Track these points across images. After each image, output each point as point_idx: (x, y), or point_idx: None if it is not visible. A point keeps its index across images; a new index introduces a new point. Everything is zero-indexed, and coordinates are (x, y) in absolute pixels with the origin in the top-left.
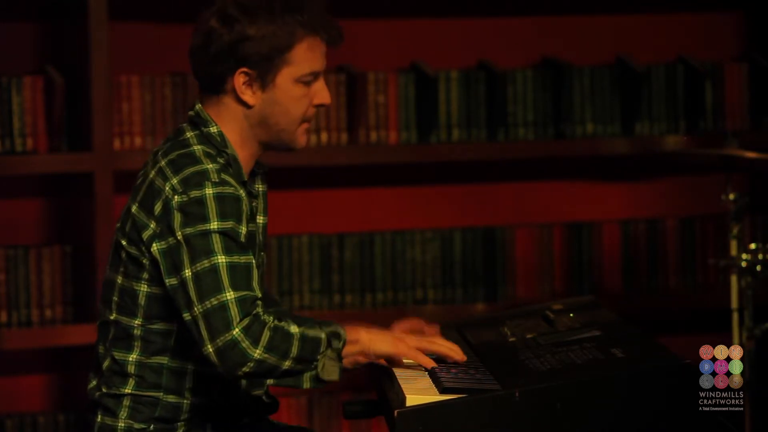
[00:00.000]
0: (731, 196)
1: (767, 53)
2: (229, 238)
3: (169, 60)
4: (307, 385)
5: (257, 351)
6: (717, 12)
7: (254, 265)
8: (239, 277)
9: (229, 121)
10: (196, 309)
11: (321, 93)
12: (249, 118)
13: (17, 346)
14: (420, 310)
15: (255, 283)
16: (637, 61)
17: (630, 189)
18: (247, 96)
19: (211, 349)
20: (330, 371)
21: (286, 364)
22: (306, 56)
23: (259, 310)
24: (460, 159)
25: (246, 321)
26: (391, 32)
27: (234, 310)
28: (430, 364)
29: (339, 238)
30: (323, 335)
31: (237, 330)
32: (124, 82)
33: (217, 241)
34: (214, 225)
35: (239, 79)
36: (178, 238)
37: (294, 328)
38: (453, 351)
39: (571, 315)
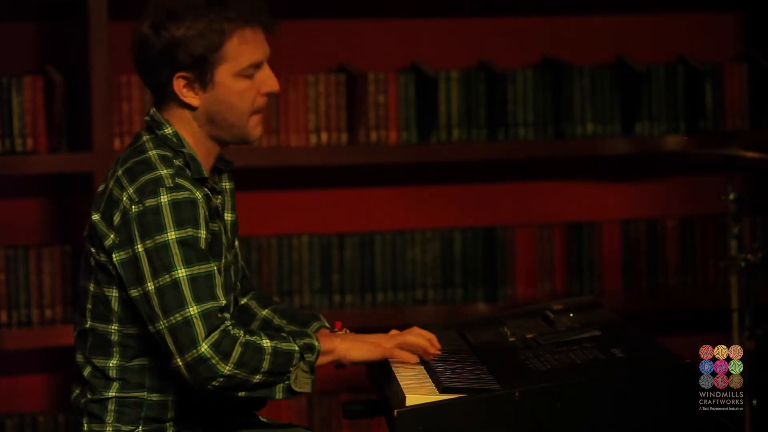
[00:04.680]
0: (731, 196)
1: (767, 53)
2: (187, 246)
3: None
4: (279, 395)
5: (227, 367)
6: (717, 12)
7: (216, 271)
8: (201, 288)
9: (180, 124)
10: (161, 323)
11: (268, 81)
12: (197, 119)
13: (17, 346)
14: (420, 310)
15: (219, 290)
16: (637, 61)
17: (630, 189)
18: (190, 98)
19: (180, 363)
20: (302, 383)
21: (257, 378)
22: (241, 50)
23: (227, 322)
24: (460, 159)
25: (215, 336)
26: (391, 32)
27: (199, 325)
28: (413, 359)
29: (339, 238)
30: (296, 348)
31: (205, 346)
32: (124, 82)
33: (176, 253)
34: (171, 235)
35: (179, 84)
36: (138, 250)
37: (266, 342)
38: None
39: (571, 315)
